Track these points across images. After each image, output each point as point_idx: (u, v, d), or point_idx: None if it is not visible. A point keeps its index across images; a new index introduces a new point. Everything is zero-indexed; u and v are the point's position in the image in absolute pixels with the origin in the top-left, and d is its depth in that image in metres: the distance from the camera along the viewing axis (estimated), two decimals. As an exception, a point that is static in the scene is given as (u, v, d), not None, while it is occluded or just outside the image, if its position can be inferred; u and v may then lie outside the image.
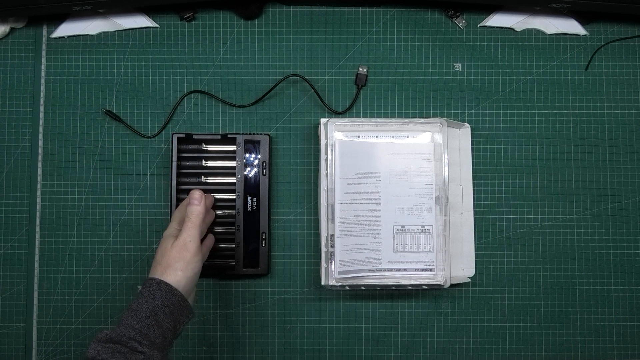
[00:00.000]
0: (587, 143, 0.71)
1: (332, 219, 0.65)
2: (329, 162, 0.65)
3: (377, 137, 0.67)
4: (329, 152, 0.65)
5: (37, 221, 0.69)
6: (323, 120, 0.66)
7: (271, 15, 0.72)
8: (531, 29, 0.72)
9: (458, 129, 0.69)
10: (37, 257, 0.69)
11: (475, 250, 0.69)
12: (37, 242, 0.69)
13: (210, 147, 0.69)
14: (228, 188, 0.69)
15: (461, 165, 0.69)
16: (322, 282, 0.65)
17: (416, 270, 0.66)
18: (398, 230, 0.66)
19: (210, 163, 0.69)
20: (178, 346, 0.68)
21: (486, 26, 0.72)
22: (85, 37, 0.71)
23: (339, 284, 0.64)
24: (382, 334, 0.69)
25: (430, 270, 0.66)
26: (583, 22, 0.72)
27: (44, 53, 0.71)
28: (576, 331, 0.69)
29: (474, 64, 0.72)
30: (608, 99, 0.71)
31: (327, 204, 0.65)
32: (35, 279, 0.69)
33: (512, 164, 0.70)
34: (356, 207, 0.66)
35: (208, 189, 0.69)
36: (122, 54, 0.71)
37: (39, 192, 0.69)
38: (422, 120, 0.67)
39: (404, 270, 0.66)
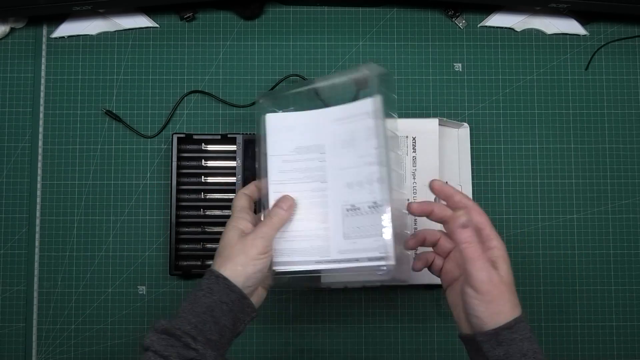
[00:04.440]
0: (587, 143, 0.71)
1: (266, 203, 0.55)
2: (258, 145, 0.56)
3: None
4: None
5: (37, 221, 0.69)
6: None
7: (271, 15, 0.72)
8: (531, 29, 0.72)
9: (457, 128, 0.69)
10: (37, 257, 0.69)
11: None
12: (37, 242, 0.69)
13: (210, 147, 0.69)
14: (228, 188, 0.69)
15: (460, 165, 0.69)
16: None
17: (370, 259, 0.52)
18: (348, 210, 0.53)
19: (210, 163, 0.69)
20: (178, 346, 0.68)
21: (486, 26, 0.72)
22: (85, 37, 0.71)
23: (275, 280, 0.55)
24: (382, 334, 0.69)
25: (385, 258, 0.51)
26: (583, 22, 0.72)
27: (44, 53, 0.71)
28: (576, 331, 0.69)
29: (474, 64, 0.72)
30: (608, 99, 0.71)
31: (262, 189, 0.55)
32: (35, 279, 0.69)
33: (512, 164, 0.70)
34: (296, 187, 0.55)
35: (208, 189, 0.69)
36: (122, 54, 0.71)
37: (39, 192, 0.69)
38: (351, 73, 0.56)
39: (356, 260, 0.53)
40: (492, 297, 0.45)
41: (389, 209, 0.52)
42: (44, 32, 0.71)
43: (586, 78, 0.72)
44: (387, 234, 0.52)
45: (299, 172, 0.55)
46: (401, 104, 0.71)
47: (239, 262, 0.50)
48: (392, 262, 0.51)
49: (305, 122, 0.56)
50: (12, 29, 0.71)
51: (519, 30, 0.72)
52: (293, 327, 0.69)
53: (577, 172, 0.71)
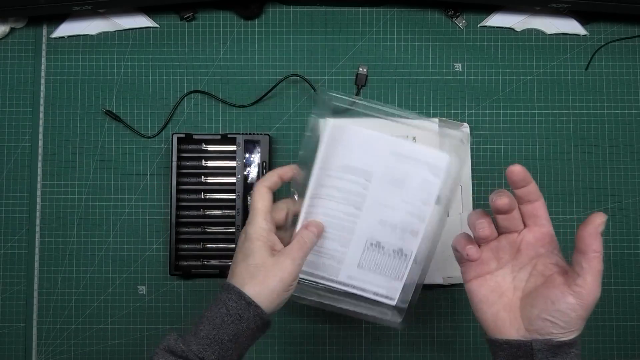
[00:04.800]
0: (587, 143, 0.71)
1: (299, 216, 0.54)
2: (307, 145, 0.54)
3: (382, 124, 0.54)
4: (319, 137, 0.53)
5: (37, 221, 0.69)
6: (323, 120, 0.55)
7: (271, 15, 0.72)
8: (531, 29, 0.72)
9: (456, 129, 0.69)
10: (37, 257, 0.69)
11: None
12: (37, 242, 0.69)
13: (210, 147, 0.69)
14: (228, 188, 0.69)
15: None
16: None
17: (375, 294, 0.55)
18: (372, 244, 0.54)
19: (210, 163, 0.69)
20: (178, 346, 0.68)
21: (486, 26, 0.72)
22: (85, 37, 0.71)
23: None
24: (381, 334, 0.69)
25: (391, 299, 0.55)
26: (583, 22, 0.72)
27: (44, 53, 0.71)
28: (576, 331, 0.69)
29: (474, 64, 0.72)
30: (608, 99, 0.71)
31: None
32: (35, 279, 0.69)
33: (512, 164, 0.70)
34: (330, 204, 0.53)
35: (208, 189, 0.69)
36: (122, 54, 0.71)
37: (39, 192, 0.69)
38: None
39: (362, 290, 0.55)
40: (588, 314, 0.43)
41: (411, 261, 0.54)
42: (44, 32, 0.71)
43: (586, 78, 0.72)
44: (401, 280, 0.54)
45: (337, 190, 0.53)
46: (401, 104, 0.71)
47: (275, 289, 0.47)
48: (394, 303, 0.55)
49: (366, 141, 0.53)
50: (12, 29, 0.71)
51: (519, 30, 0.72)
52: (293, 327, 0.69)
53: (577, 172, 0.71)
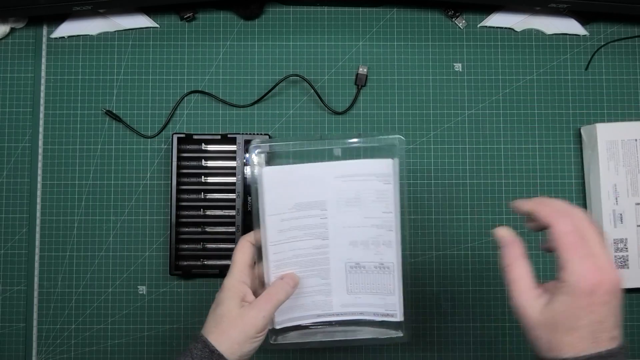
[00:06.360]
0: (587, 143, 0.71)
1: (266, 266, 0.53)
2: (255, 197, 0.53)
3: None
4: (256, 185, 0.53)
5: (37, 221, 0.69)
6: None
7: (271, 15, 0.72)
8: (531, 29, 0.72)
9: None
10: (37, 257, 0.69)
11: (475, 250, 0.69)
12: (37, 242, 0.69)
13: (210, 147, 0.70)
14: (228, 188, 0.69)
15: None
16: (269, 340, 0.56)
17: (375, 314, 0.55)
18: (352, 267, 0.54)
19: (210, 163, 0.69)
20: (178, 346, 0.68)
21: (486, 26, 0.72)
22: (85, 37, 0.71)
23: (278, 341, 0.55)
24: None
25: (392, 315, 0.54)
26: (583, 22, 0.72)
27: (44, 53, 0.71)
28: (576, 331, 0.69)
29: (474, 64, 0.72)
30: (608, 99, 0.71)
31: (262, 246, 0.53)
32: (35, 279, 0.69)
33: (511, 164, 0.70)
34: (296, 245, 0.53)
35: (208, 189, 0.69)
36: (122, 54, 0.71)
37: (39, 192, 0.69)
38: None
39: (361, 314, 0.55)
40: (609, 309, 0.44)
41: (397, 270, 0.53)
42: (44, 32, 0.71)
43: (586, 78, 0.72)
44: (394, 294, 0.54)
45: (298, 229, 0.53)
46: (401, 104, 0.71)
47: (236, 340, 0.48)
48: (400, 318, 0.54)
49: (307, 175, 0.53)
50: (12, 29, 0.71)
51: (519, 30, 0.72)
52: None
53: (577, 172, 0.71)
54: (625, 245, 0.65)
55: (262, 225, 0.53)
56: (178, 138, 0.68)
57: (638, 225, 0.65)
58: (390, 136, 0.53)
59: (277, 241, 0.53)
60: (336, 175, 0.53)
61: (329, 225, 0.53)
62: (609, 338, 0.39)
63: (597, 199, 0.66)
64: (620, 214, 0.66)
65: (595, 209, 0.67)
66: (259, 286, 0.54)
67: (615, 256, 0.65)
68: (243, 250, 0.52)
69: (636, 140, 0.66)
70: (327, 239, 0.53)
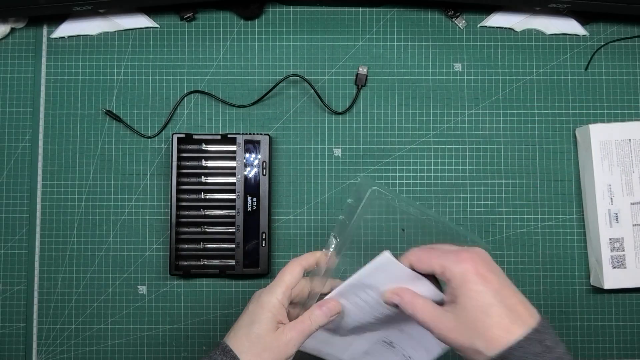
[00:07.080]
0: (587, 143, 0.71)
1: (315, 295, 0.51)
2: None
3: None
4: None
5: (37, 221, 0.69)
6: None
7: (271, 15, 0.72)
8: (531, 29, 0.72)
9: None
10: (37, 257, 0.69)
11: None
12: (37, 242, 0.69)
13: (210, 147, 0.70)
14: (228, 188, 0.69)
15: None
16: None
17: None
18: (384, 342, 0.54)
19: (210, 163, 0.69)
20: (178, 346, 0.68)
21: (486, 26, 0.72)
22: (86, 37, 0.71)
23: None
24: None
25: None
26: (583, 22, 0.72)
27: (44, 53, 0.71)
28: (576, 331, 0.69)
29: (474, 64, 0.72)
30: (608, 99, 0.71)
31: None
32: (35, 279, 0.69)
33: (512, 164, 0.70)
34: (355, 309, 0.51)
35: (208, 189, 0.69)
36: (122, 54, 0.71)
37: (39, 192, 0.69)
38: None
39: None
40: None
41: None
42: (44, 32, 0.71)
43: (586, 78, 0.72)
44: None
45: (368, 304, 0.50)
46: (401, 104, 0.71)
47: None
48: None
49: (396, 276, 0.48)
50: (12, 29, 0.71)
51: (518, 30, 0.72)
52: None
53: (577, 172, 0.71)
54: (621, 245, 0.65)
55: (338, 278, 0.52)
56: (178, 138, 0.68)
57: (634, 225, 0.65)
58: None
59: (343, 294, 0.50)
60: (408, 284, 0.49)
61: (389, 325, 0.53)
62: (527, 313, 0.42)
63: (592, 198, 0.66)
64: (616, 214, 0.66)
65: (590, 209, 0.67)
66: (299, 299, 0.53)
67: (612, 256, 0.65)
68: (292, 273, 0.51)
69: (630, 140, 0.66)
70: (381, 322, 0.52)
